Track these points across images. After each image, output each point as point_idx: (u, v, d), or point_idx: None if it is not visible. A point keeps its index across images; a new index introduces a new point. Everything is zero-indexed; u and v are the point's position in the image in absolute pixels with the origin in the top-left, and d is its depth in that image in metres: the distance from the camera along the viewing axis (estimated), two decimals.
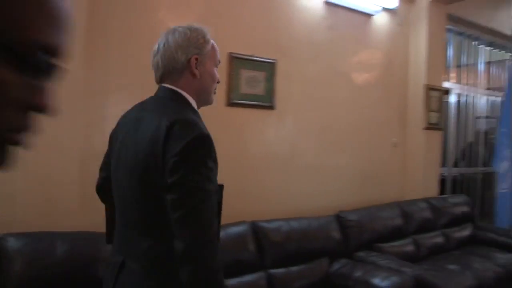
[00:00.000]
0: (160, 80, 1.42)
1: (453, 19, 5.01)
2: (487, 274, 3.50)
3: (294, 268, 2.93)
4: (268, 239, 2.86)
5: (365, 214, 3.58)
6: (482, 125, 6.12)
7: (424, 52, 4.45)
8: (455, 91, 5.47)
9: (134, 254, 1.31)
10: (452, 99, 5.45)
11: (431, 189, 4.58)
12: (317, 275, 3.06)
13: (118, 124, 1.50)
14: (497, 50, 6.16)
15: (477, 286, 3.33)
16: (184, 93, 1.39)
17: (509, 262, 3.78)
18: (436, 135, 4.61)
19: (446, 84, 5.05)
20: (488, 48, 6.05)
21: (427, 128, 4.44)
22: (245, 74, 3.24)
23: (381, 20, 4.24)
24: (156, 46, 1.41)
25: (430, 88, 4.46)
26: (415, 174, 4.48)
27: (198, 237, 1.18)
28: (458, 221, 4.37)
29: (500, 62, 6.25)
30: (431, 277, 2.99)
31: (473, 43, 5.75)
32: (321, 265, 3.12)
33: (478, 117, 5.97)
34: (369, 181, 4.17)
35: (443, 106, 4.71)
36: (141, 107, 1.45)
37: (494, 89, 6.15)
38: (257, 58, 3.29)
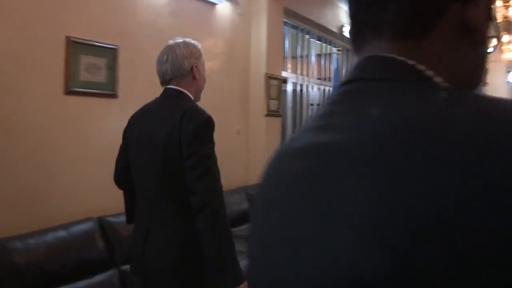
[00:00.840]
0: (167, 83, 1.86)
1: (289, 13, 5.36)
2: None
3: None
4: (118, 234, 2.73)
5: None
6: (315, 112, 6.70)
7: (264, 42, 4.68)
8: (291, 80, 5.89)
9: (157, 222, 1.71)
10: (289, 87, 5.86)
11: None
12: None
13: (130, 122, 1.96)
14: (325, 44, 6.79)
15: None
16: (186, 92, 1.84)
17: None
18: (276, 122, 4.91)
19: (283, 74, 5.40)
20: (318, 42, 6.64)
21: (268, 115, 4.71)
22: (85, 60, 3.01)
23: (224, 9, 4.32)
24: (164, 57, 1.85)
25: (270, 77, 4.71)
26: (258, 159, 4.72)
27: (210, 190, 1.62)
28: None
29: (329, 55, 6.92)
30: None
31: (306, 36, 6.25)
32: None
33: (311, 105, 6.52)
34: None
35: (281, 94, 5.03)
36: (149, 106, 1.90)
37: (324, 79, 6.79)
38: (98, 43, 3.08)
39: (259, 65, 4.71)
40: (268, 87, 4.69)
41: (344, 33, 6.56)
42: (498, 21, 5.13)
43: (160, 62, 1.87)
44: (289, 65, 5.94)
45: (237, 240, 3.45)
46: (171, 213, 1.70)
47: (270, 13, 4.72)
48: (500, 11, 5.10)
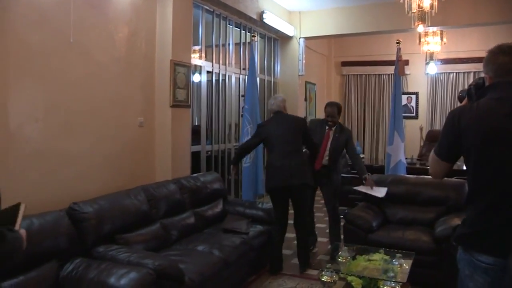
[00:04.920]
0: (278, 111, 4.19)
1: None
2: (233, 248, 3.58)
3: (11, 282, 2.38)
4: None
5: (105, 203, 3.19)
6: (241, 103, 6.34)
7: (170, 26, 4.26)
8: (206, 69, 5.50)
9: (292, 157, 3.97)
10: (203, 78, 5.48)
11: (183, 169, 4.49)
12: (45, 284, 2.57)
13: (265, 125, 4.20)
14: (244, 31, 6.45)
15: (223, 261, 3.35)
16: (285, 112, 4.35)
17: (254, 234, 3.97)
18: (185, 113, 4.51)
19: (198, 62, 5.01)
20: (236, 29, 6.28)
21: (174, 106, 4.30)
22: None
23: None
24: (273, 103, 4.22)
25: (176, 64, 4.30)
26: (164, 154, 4.31)
27: (313, 141, 4.38)
28: (210, 198, 4.37)
29: (249, 44, 6.57)
30: (175, 266, 2.82)
31: (223, 23, 5.87)
32: (49, 271, 2.62)
33: (242, 96, 6.18)
34: (114, 166, 3.81)
35: (190, 83, 4.62)
36: (276, 118, 4.15)
37: (245, 69, 6.43)
38: None
39: (164, 51, 4.27)
40: (174, 74, 4.28)
41: (264, 20, 6.24)
42: (414, 11, 5.10)
43: (272, 104, 4.20)
44: (203, 54, 5.55)
45: (130, 248, 3.06)
46: (299, 154, 4.06)
47: None
48: (415, 1, 5.08)
